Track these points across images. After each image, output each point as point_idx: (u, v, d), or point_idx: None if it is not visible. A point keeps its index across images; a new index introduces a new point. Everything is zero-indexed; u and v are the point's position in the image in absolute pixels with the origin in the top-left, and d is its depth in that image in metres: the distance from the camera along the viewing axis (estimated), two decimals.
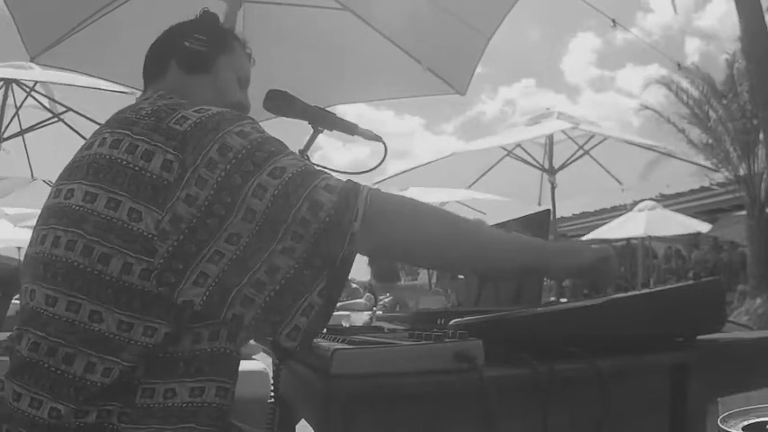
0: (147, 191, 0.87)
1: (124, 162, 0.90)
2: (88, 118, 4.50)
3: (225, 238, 0.86)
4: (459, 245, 0.98)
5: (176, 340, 0.91)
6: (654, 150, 6.18)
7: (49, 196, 0.99)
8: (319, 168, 0.94)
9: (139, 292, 0.87)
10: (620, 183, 6.66)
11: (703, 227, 11.27)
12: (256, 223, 0.86)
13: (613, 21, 7.30)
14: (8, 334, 0.99)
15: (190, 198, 0.86)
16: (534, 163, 6.33)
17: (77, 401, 0.87)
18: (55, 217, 0.94)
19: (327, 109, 1.45)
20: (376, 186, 0.96)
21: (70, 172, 0.97)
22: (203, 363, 0.94)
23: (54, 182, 1.03)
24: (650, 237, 11.59)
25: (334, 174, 0.95)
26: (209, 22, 1.19)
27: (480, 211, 7.98)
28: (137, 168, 0.88)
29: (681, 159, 6.73)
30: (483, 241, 1.00)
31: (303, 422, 1.21)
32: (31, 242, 0.98)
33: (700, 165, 7.79)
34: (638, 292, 0.98)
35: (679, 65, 9.75)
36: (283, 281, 0.86)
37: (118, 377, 0.88)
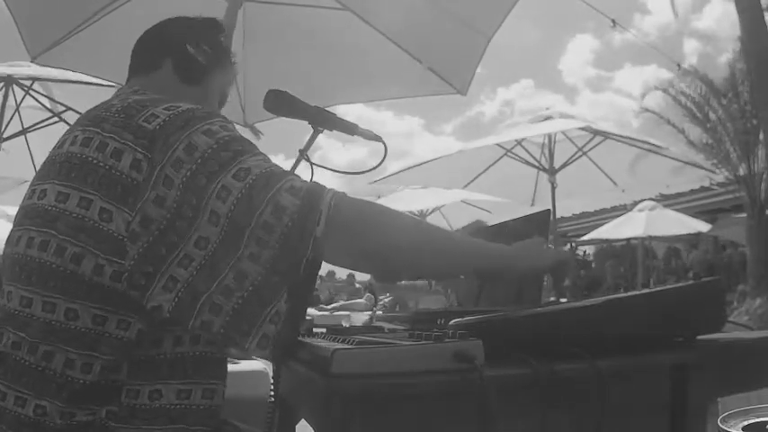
0: (116, 190, 0.86)
1: (95, 161, 0.89)
2: None
3: (194, 242, 0.85)
4: (426, 250, 0.97)
5: (158, 343, 0.92)
6: (653, 152, 6.17)
7: (24, 197, 0.98)
8: (285, 170, 0.92)
9: (112, 292, 0.87)
10: (615, 183, 6.67)
11: (703, 227, 11.27)
12: (222, 227, 0.85)
13: (613, 21, 7.32)
14: None
15: (159, 199, 0.85)
16: (534, 163, 6.33)
17: (61, 398, 0.87)
18: (28, 217, 0.93)
19: (327, 109, 1.45)
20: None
21: (44, 172, 0.96)
22: (187, 365, 0.94)
23: (30, 182, 1.01)
24: (650, 237, 11.60)
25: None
26: (215, 32, 1.16)
27: (486, 210, 7.99)
28: (107, 167, 0.87)
29: (679, 160, 6.73)
30: (446, 247, 0.99)
31: (303, 422, 1.21)
32: (7, 243, 0.98)
33: (698, 166, 7.78)
34: (638, 292, 0.98)
35: (679, 65, 9.75)
36: (251, 287, 0.85)
37: (100, 374, 0.88)
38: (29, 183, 1.00)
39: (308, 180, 0.93)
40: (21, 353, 0.89)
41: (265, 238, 0.85)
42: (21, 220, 0.95)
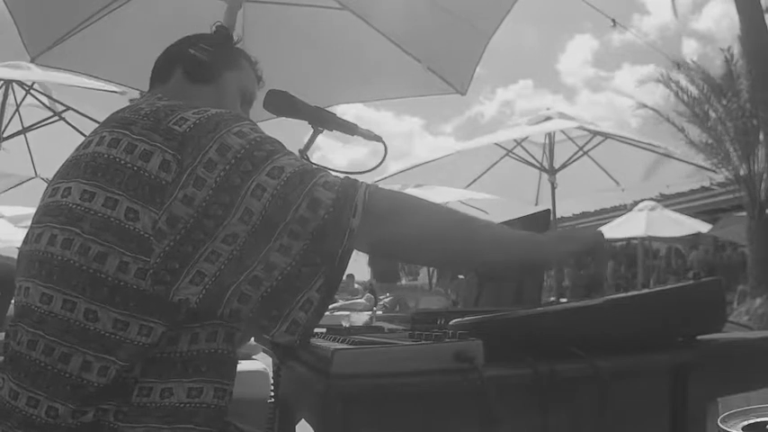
0: (144, 191, 0.87)
1: (122, 161, 0.90)
2: (88, 117, 4.49)
3: (221, 239, 0.86)
4: (456, 239, 0.99)
5: (174, 341, 0.92)
6: (654, 151, 6.17)
7: (45, 195, 0.99)
8: (317, 166, 0.95)
9: (135, 292, 0.87)
10: (617, 183, 6.66)
11: (703, 227, 11.27)
12: (253, 224, 0.86)
13: (613, 20, 7.32)
14: None
15: (187, 198, 0.86)
16: (534, 163, 6.32)
17: (75, 401, 0.87)
18: (51, 215, 0.94)
19: (327, 109, 1.45)
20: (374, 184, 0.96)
21: (67, 170, 0.97)
22: (201, 363, 0.94)
23: (49, 180, 1.02)
24: (650, 237, 11.59)
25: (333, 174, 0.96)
26: (220, 36, 1.21)
27: (483, 211, 7.98)
28: (135, 168, 0.89)
29: (680, 160, 6.72)
30: (480, 235, 1.01)
31: (303, 422, 1.21)
32: (25, 240, 0.98)
33: (699, 166, 7.76)
34: (638, 292, 0.98)
35: (678, 65, 9.73)
36: (280, 277, 0.86)
37: (115, 377, 0.88)
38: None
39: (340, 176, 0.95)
40: (36, 353, 0.89)
41: (299, 231, 0.86)
42: (41, 218, 0.96)
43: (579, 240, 1.04)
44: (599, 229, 1.15)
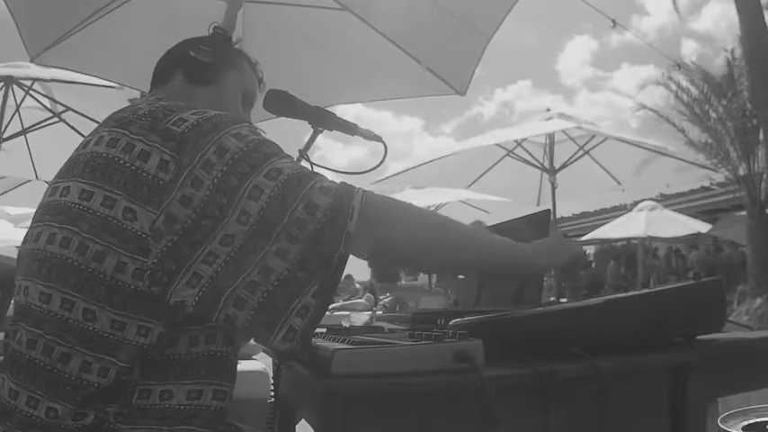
0: (142, 191, 0.87)
1: (121, 161, 0.90)
2: (89, 117, 4.49)
3: (219, 240, 0.86)
4: (450, 247, 1.00)
5: (172, 342, 0.92)
6: (654, 151, 6.17)
7: (45, 194, 0.99)
8: (314, 171, 0.95)
9: (132, 292, 0.87)
10: (618, 182, 6.66)
11: (703, 227, 11.28)
12: (251, 225, 0.86)
13: (613, 21, 7.32)
14: None
15: (185, 199, 0.86)
16: (535, 163, 6.33)
17: (75, 401, 0.87)
18: (50, 214, 0.94)
19: (327, 109, 1.45)
20: (375, 186, 0.97)
21: (67, 170, 0.97)
22: (200, 366, 0.94)
23: (50, 180, 1.03)
24: (650, 237, 11.60)
25: (334, 174, 0.96)
26: (218, 37, 1.21)
27: (484, 210, 7.98)
28: (133, 168, 0.89)
29: (680, 159, 6.72)
30: (472, 244, 1.03)
31: (303, 422, 1.21)
32: (25, 239, 0.99)
33: (699, 165, 7.76)
34: (638, 292, 0.98)
35: (678, 65, 9.73)
36: (276, 282, 0.86)
37: (115, 378, 0.88)
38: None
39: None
40: (35, 353, 0.89)
41: (296, 234, 0.86)
42: (41, 217, 0.96)
43: (565, 253, 1.08)
44: (578, 241, 1.18)
